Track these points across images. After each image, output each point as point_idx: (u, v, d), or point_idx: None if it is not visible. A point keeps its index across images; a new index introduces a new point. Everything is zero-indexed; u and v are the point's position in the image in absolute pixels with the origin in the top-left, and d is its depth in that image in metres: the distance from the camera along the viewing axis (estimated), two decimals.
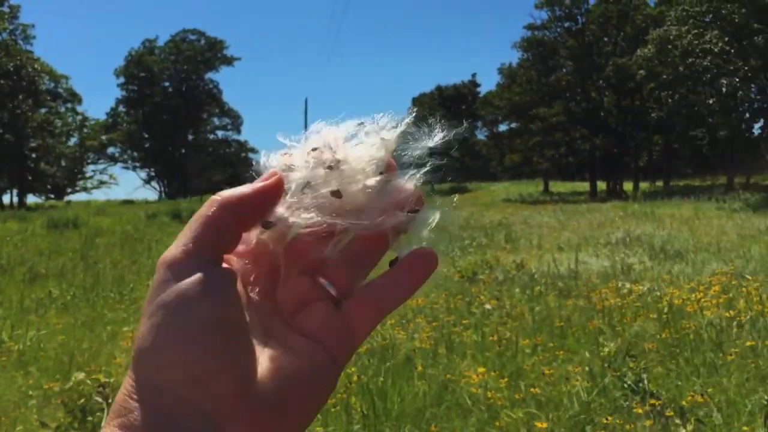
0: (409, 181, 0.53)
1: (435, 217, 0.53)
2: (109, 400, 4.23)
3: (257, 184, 0.51)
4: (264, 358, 0.47)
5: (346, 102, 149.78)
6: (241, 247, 0.52)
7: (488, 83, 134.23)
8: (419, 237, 0.53)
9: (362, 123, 0.55)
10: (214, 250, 0.48)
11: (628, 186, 48.22)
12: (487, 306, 8.37)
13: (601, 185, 47.74)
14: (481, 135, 75.02)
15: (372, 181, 0.52)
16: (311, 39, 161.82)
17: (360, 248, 0.52)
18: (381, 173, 0.53)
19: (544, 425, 4.31)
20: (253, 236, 0.52)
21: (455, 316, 7.97)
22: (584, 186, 50.67)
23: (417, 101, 73.24)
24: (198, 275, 0.45)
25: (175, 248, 0.47)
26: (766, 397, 4.70)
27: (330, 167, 0.52)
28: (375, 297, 0.51)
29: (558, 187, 55.13)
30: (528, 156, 55.96)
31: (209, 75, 70.71)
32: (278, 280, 0.51)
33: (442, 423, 4.69)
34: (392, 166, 0.54)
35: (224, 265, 0.49)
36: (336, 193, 0.51)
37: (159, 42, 69.56)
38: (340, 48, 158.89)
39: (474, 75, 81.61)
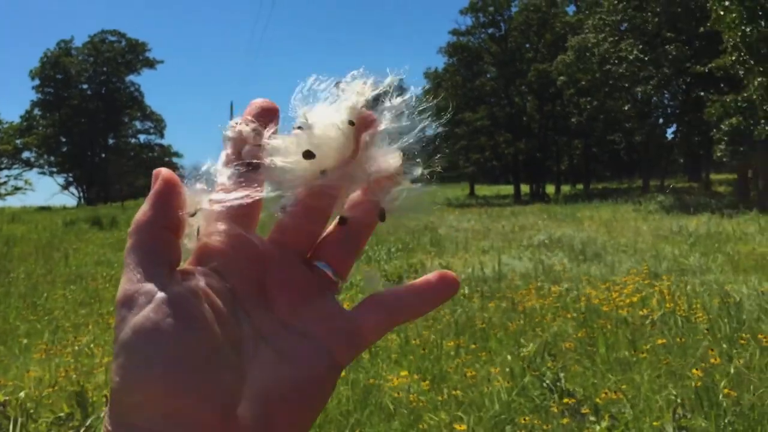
0: (390, 150, 0.49)
1: (418, 188, 0.50)
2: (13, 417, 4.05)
3: (152, 194, 0.48)
4: (256, 370, 0.43)
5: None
6: (215, 243, 0.46)
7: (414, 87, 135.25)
8: (403, 207, 0.50)
9: (339, 82, 0.50)
10: (162, 273, 0.44)
11: (550, 189, 49.60)
12: None
13: (525, 188, 48.89)
14: None
15: (344, 134, 0.47)
16: (236, 41, 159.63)
17: (352, 228, 0.49)
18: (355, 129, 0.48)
19: (464, 427, 4.36)
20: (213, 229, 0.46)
21: None
22: (509, 189, 51.81)
23: None
24: (150, 307, 0.42)
25: (123, 283, 0.43)
26: (674, 393, 4.90)
27: (300, 128, 0.47)
28: (388, 306, 0.48)
29: (483, 190, 56.19)
30: (454, 160, 56.80)
31: (130, 77, 68.89)
32: (264, 270, 0.47)
33: (366, 428, 4.69)
34: (369, 120, 0.49)
35: (184, 281, 0.44)
36: (308, 154, 0.47)
37: (76, 43, 67.27)
38: (265, 50, 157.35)
39: (401, 80, 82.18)
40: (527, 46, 48.60)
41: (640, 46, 33.31)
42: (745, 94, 23.55)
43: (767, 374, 5.04)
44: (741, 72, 23.21)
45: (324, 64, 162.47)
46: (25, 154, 63.78)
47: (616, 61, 34.68)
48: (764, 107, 21.85)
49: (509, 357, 5.99)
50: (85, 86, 66.59)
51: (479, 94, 49.72)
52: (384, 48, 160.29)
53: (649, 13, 33.85)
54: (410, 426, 4.67)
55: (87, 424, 4.15)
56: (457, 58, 50.05)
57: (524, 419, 4.46)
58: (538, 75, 43.52)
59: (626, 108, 38.84)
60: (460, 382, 5.48)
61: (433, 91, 52.08)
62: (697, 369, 5.21)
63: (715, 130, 27.28)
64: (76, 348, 7.33)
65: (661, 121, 42.52)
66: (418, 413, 4.85)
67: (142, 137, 72.52)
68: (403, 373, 5.69)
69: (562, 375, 5.07)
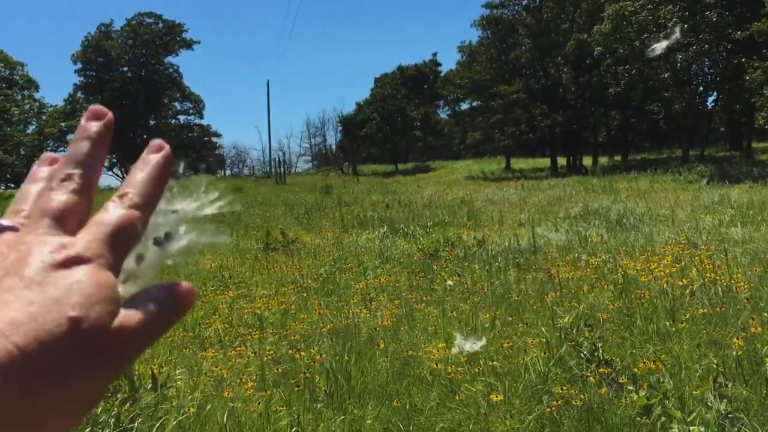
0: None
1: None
2: None
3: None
4: None
5: (309, 83, 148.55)
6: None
7: (449, 62, 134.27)
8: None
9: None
10: None
11: (587, 161, 48.87)
12: (449, 282, 8.47)
13: (562, 161, 48.24)
14: (443, 114, 75.35)
15: None
16: (271, 19, 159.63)
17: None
18: None
19: (500, 397, 4.41)
20: None
21: (417, 294, 8.05)
22: (545, 162, 51.19)
23: (379, 81, 72.93)
24: None
25: None
26: (715, 362, 4.87)
27: None
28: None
29: (519, 163, 55.61)
30: (489, 134, 56.32)
31: (169, 59, 69.56)
32: None
33: (404, 398, 4.77)
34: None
35: None
36: None
37: (115, 26, 68.11)
38: (300, 28, 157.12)
39: (435, 54, 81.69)
40: (563, 16, 47.65)
41: (680, 13, 32.46)
42: None
43: None
44: None
45: (356, 39, 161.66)
46: (70, 137, 64.74)
47: (655, 29, 33.84)
48: None
49: (545, 328, 6.00)
50: (125, 69, 67.57)
51: (514, 66, 49.04)
52: (418, 24, 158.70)
53: None
54: (447, 397, 4.73)
55: (135, 396, 4.31)
56: (491, 31, 49.34)
57: (561, 389, 4.49)
58: (575, 46, 42.72)
59: (665, 76, 37.97)
60: (496, 353, 5.52)
61: (467, 65, 51.59)
62: (738, 338, 5.16)
63: (757, 97, 26.55)
64: None
65: (701, 89, 41.50)
66: (455, 384, 4.91)
67: (182, 118, 73.48)
68: (441, 344, 5.75)
69: (599, 345, 5.07)
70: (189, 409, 4.36)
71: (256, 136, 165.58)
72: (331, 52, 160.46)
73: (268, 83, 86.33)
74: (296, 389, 4.86)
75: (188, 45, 69.90)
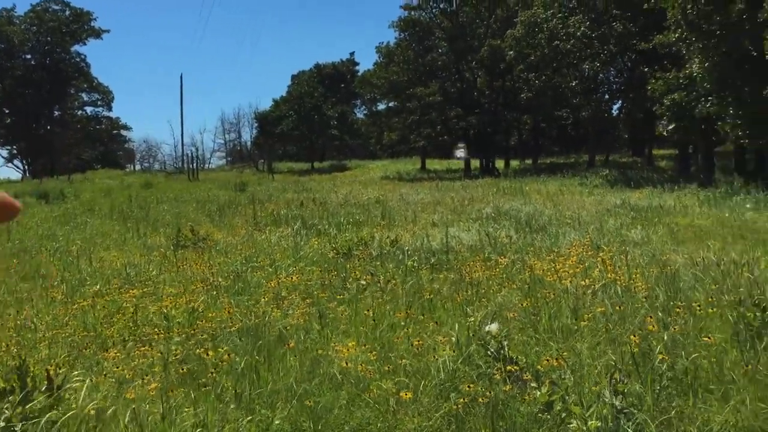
0: None
1: None
2: None
3: None
4: None
5: (224, 78, 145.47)
6: None
7: (366, 62, 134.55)
8: None
9: None
10: None
11: (500, 163, 50.09)
12: (362, 281, 8.49)
13: (475, 163, 49.25)
14: (360, 113, 75.51)
15: None
16: (186, 11, 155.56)
17: None
18: None
19: (409, 395, 4.45)
20: None
21: (330, 292, 8.03)
22: (459, 163, 52.12)
23: (296, 79, 72.40)
24: None
25: None
26: (613, 359, 5.08)
27: None
28: None
29: (434, 164, 56.41)
30: (405, 134, 56.79)
31: (76, 48, 66.74)
32: None
33: (314, 397, 4.75)
34: None
35: None
36: None
37: (18, 11, 64.81)
38: (216, 21, 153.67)
39: (352, 54, 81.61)
40: (478, 21, 48.64)
41: (588, 23, 33.72)
42: (687, 71, 24.12)
43: (701, 341, 5.25)
44: (683, 49, 23.76)
45: (273, 35, 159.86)
46: None
47: (564, 37, 35.06)
48: (704, 84, 22.44)
49: (456, 327, 6.10)
50: (28, 56, 64.39)
51: (430, 69, 49.65)
52: (335, 23, 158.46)
53: None
54: (357, 395, 4.74)
55: (28, 398, 4.09)
56: (408, 32, 49.80)
57: (468, 386, 4.57)
58: (489, 50, 43.67)
59: (573, 84, 39.38)
60: (407, 351, 5.57)
61: (385, 65, 51.90)
62: (634, 336, 5.40)
63: (657, 106, 27.92)
64: (18, 322, 7.18)
65: (606, 97, 43.27)
66: (365, 382, 4.93)
67: (89, 109, 70.74)
68: (352, 343, 5.75)
69: (506, 343, 5.19)
70: (88, 411, 4.19)
71: (168, 130, 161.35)
72: (247, 48, 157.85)
73: (181, 77, 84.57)
74: (203, 389, 4.75)
75: (97, 34, 67.29)
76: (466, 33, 47.39)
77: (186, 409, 4.47)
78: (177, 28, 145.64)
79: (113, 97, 70.64)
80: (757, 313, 5.48)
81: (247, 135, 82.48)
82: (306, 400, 4.61)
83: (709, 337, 5.26)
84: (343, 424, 4.37)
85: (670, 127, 27.46)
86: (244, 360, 5.31)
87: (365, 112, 73.46)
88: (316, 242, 12.67)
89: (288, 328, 6.41)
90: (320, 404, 4.61)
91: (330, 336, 6.28)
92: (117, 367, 5.34)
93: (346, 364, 5.25)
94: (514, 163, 51.87)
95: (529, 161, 52.85)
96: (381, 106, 62.28)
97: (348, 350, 5.53)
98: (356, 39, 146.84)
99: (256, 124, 69.91)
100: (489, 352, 5.19)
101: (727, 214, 14.89)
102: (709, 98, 22.84)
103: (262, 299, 7.67)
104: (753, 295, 6.01)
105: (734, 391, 4.47)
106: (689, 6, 21.56)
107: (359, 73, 68.02)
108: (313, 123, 62.00)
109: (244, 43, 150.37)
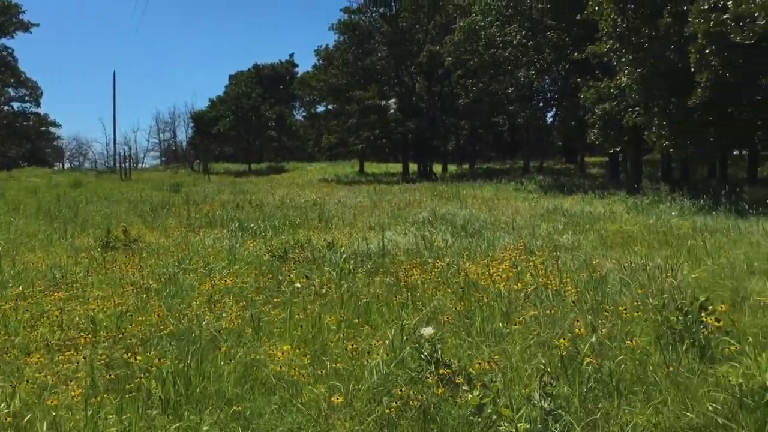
0: None
1: None
2: None
3: None
4: None
5: (159, 76, 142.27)
6: None
7: (306, 64, 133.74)
8: None
9: None
10: None
11: (437, 168, 50.62)
12: (297, 284, 8.42)
13: (413, 167, 49.64)
14: (299, 115, 75.09)
15: None
16: (120, 6, 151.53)
17: None
18: None
19: (341, 399, 4.44)
20: None
21: (265, 295, 7.94)
22: (397, 167, 52.43)
23: (233, 79, 71.48)
24: None
25: None
26: (543, 362, 5.18)
27: None
28: None
29: (373, 168, 56.59)
30: (344, 137, 56.81)
31: (2, 41, 64.27)
32: None
33: (245, 402, 4.68)
34: None
35: None
36: None
37: None
38: (151, 17, 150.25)
39: (292, 55, 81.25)
40: (417, 27, 49.06)
41: (524, 32, 34.43)
42: (617, 82, 24.89)
43: (626, 344, 5.41)
44: (614, 60, 24.52)
45: (211, 34, 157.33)
46: None
47: (502, 45, 35.70)
48: (633, 95, 23.20)
49: (390, 330, 6.11)
50: None
51: (370, 72, 49.82)
52: (275, 23, 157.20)
53: (532, 0, 35.03)
54: (289, 400, 4.69)
55: None
56: (348, 35, 49.85)
57: (401, 390, 4.59)
58: (428, 56, 44.09)
59: (510, 91, 40.14)
60: (341, 355, 5.55)
61: (324, 68, 51.80)
62: (564, 339, 5.53)
63: (589, 114, 28.72)
64: None
65: (541, 104, 44.30)
66: (298, 387, 4.89)
67: (15, 105, 68.17)
68: (286, 347, 5.70)
69: (439, 347, 5.23)
70: (4, 418, 4.02)
71: (100, 128, 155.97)
72: (183, 46, 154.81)
73: (114, 73, 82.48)
74: (129, 395, 4.62)
75: (25, 27, 64.99)
76: (406, 38, 47.74)
77: (110, 416, 4.34)
78: (110, 24, 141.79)
79: (42, 92, 68.43)
80: (680, 317, 5.68)
81: (183, 135, 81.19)
82: (237, 405, 4.54)
83: (632, 341, 5.43)
84: (274, 428, 4.33)
85: (600, 135, 28.28)
86: (173, 365, 5.19)
87: (304, 114, 73.14)
88: (252, 244, 12.52)
89: (221, 331, 6.31)
90: (251, 409, 4.55)
91: (264, 340, 6.21)
92: (39, 373, 5.15)
93: (280, 368, 5.20)
94: (452, 167, 52.54)
95: (466, 166, 53.63)
96: (320, 109, 62.18)
97: (282, 354, 5.48)
98: (296, 41, 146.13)
99: (192, 124, 68.75)
100: (422, 356, 5.22)
101: (653, 221, 15.41)
102: (637, 109, 23.63)
103: (195, 302, 7.52)
104: (676, 299, 6.22)
105: (656, 392, 4.62)
106: (619, 19, 22.25)
107: (298, 75, 67.64)
108: (250, 124, 61.34)
109: (181, 41, 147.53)
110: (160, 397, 4.62)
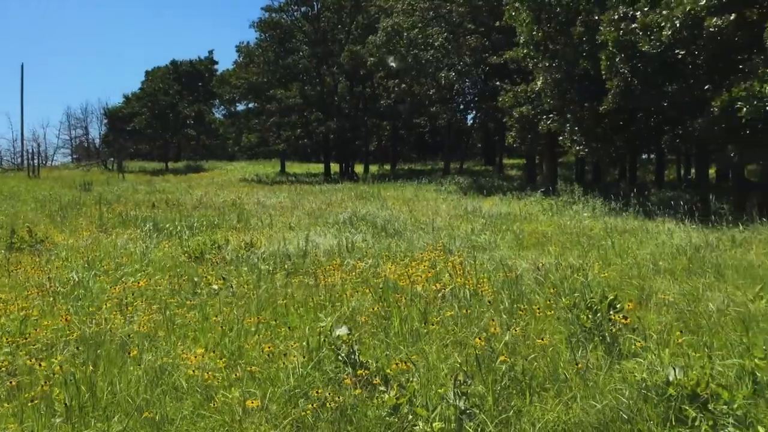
0: None
1: None
2: None
3: None
4: None
5: (71, 71, 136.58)
6: None
7: (226, 61, 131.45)
8: None
9: None
10: None
11: (359, 168, 50.72)
12: (214, 286, 8.25)
13: (335, 167, 49.55)
14: (218, 113, 73.71)
15: None
16: None
17: None
18: None
19: (257, 403, 4.36)
20: None
21: (179, 298, 7.74)
22: (319, 167, 52.24)
23: (150, 75, 69.44)
24: None
25: None
26: (459, 361, 5.25)
27: None
28: None
29: (294, 168, 56.18)
30: (265, 136, 56.17)
31: None
32: None
33: (156, 408, 4.54)
34: None
35: None
36: None
37: None
38: (63, 8, 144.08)
39: (211, 52, 79.20)
40: (339, 27, 48.99)
41: (445, 35, 34.90)
42: (533, 87, 25.57)
43: (539, 341, 5.55)
44: (530, 65, 25.18)
45: (127, 27, 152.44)
46: None
47: (423, 47, 36.08)
48: (548, 100, 23.88)
49: (308, 332, 6.06)
50: None
51: (291, 71, 49.39)
52: (194, 19, 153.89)
53: (454, 4, 35.57)
54: (202, 404, 4.58)
55: None
56: (269, 34, 49.28)
57: (318, 392, 4.55)
58: (350, 56, 44.08)
59: (431, 93, 40.62)
60: (257, 358, 5.46)
61: (244, 65, 51.02)
62: (479, 338, 5.61)
63: (507, 117, 29.41)
64: None
65: (461, 107, 45.04)
66: (212, 391, 4.78)
67: None
68: (200, 350, 5.56)
69: (356, 348, 5.22)
70: None
71: (5, 123, 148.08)
72: (97, 40, 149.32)
73: (22, 67, 78.66)
74: (31, 403, 4.40)
75: None
76: (328, 38, 47.60)
77: (11, 425, 4.12)
78: (18, 15, 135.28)
79: None
80: (589, 315, 5.87)
81: (96, 131, 78.50)
82: (147, 412, 4.39)
83: (544, 339, 5.57)
84: None
85: (518, 138, 29.01)
86: (79, 370, 4.98)
87: (224, 112, 71.87)
88: (168, 245, 12.19)
89: (131, 335, 6.10)
90: (162, 415, 4.41)
91: (177, 343, 6.04)
92: None
93: (193, 372, 5.07)
94: (374, 168, 52.74)
95: (387, 167, 53.93)
96: (240, 107, 61.21)
97: (195, 358, 5.34)
98: (216, 37, 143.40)
99: (105, 121, 66.54)
100: (340, 357, 5.20)
101: (567, 221, 15.89)
102: (552, 114, 24.35)
103: (105, 306, 7.25)
104: (586, 298, 6.42)
105: (567, 389, 4.75)
106: (535, 27, 22.87)
107: (218, 72, 66.36)
108: (167, 121, 59.86)
109: (95, 34, 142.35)
110: (65, 404, 4.42)
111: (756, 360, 4.62)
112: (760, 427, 3.84)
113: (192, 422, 4.37)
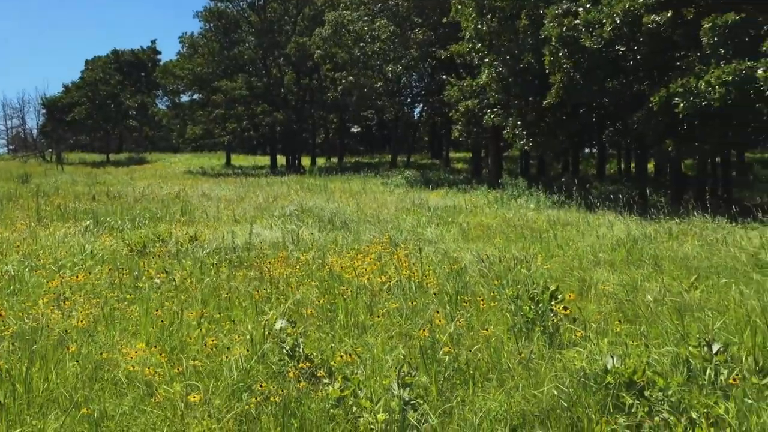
0: None
1: None
2: None
3: None
4: None
5: (11, 60, 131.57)
6: None
7: (169, 51, 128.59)
8: None
9: None
10: None
11: (306, 161, 50.43)
12: (156, 280, 8.09)
13: (282, 160, 49.16)
14: (162, 104, 72.20)
15: None
16: None
17: None
18: None
19: (199, 397, 4.30)
20: None
21: (120, 292, 7.56)
22: (266, 160, 51.75)
23: (90, 64, 67.52)
24: None
25: None
26: (403, 353, 5.28)
27: None
28: None
29: (240, 160, 55.52)
30: (210, 128, 55.29)
31: None
32: None
33: (94, 404, 4.43)
34: None
35: None
36: None
37: None
38: None
39: (154, 41, 77.47)
40: (286, 18, 48.51)
41: (392, 28, 34.92)
42: (479, 81, 25.81)
43: (482, 332, 5.61)
44: (475, 60, 25.41)
45: (66, 15, 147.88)
46: None
47: (370, 40, 36.04)
48: (493, 94, 24.15)
49: (252, 325, 6.01)
50: None
51: (237, 63, 48.72)
52: (136, 6, 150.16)
53: None
54: (143, 399, 4.49)
55: None
56: (214, 24, 48.49)
57: (261, 385, 4.51)
58: (297, 48, 43.71)
59: (378, 86, 40.63)
60: (200, 352, 5.39)
61: (189, 56, 50.10)
62: (424, 330, 5.65)
63: (453, 111, 29.63)
64: None
65: (408, 100, 45.18)
66: (152, 386, 4.69)
67: None
68: (141, 345, 5.45)
69: (301, 341, 5.19)
70: None
71: None
72: (35, 28, 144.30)
73: None
74: None
75: None
76: (274, 28, 47.09)
77: None
78: None
79: None
80: (532, 306, 5.98)
81: (34, 122, 75.96)
82: (84, 408, 4.29)
83: (487, 329, 5.65)
84: (125, 430, 4.12)
85: (464, 132, 29.27)
86: (12, 367, 4.82)
87: (168, 103, 70.40)
88: (108, 239, 11.90)
89: (70, 330, 5.94)
90: (101, 412, 4.31)
91: (117, 338, 5.91)
92: None
93: (133, 367, 4.97)
94: (321, 160, 52.54)
95: (335, 159, 53.77)
96: (185, 98, 60.10)
97: (136, 353, 5.23)
98: (159, 27, 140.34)
99: (43, 111, 64.43)
100: (284, 350, 5.17)
101: (511, 214, 16.12)
102: (496, 108, 24.64)
103: (41, 300, 7.03)
104: (529, 289, 6.53)
105: (509, 378, 4.83)
106: (480, 22, 23.08)
107: (161, 63, 64.96)
108: (108, 112, 58.39)
109: (33, 22, 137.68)
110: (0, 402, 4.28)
111: (690, 348, 4.78)
112: (693, 412, 3.97)
113: (132, 418, 4.28)
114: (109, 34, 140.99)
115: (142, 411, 4.36)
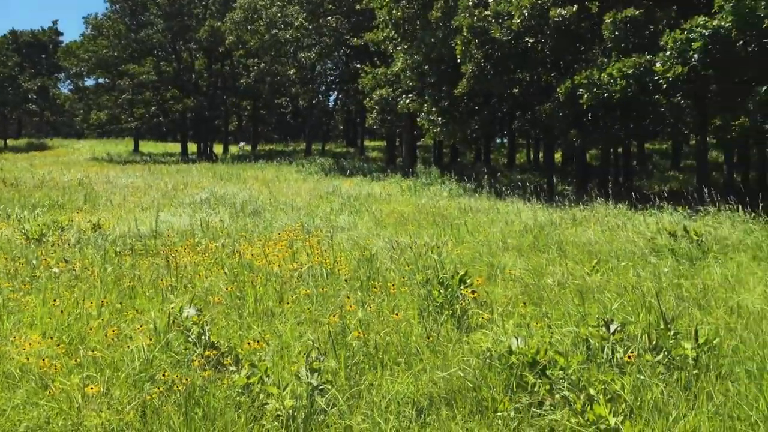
0: None
1: None
2: None
3: None
4: None
5: None
6: None
7: (72, 32, 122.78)
8: None
9: None
10: None
11: (218, 148, 49.36)
12: (55, 269, 7.73)
13: (193, 147, 47.95)
14: (64, 88, 69.02)
15: None
16: None
17: None
18: None
19: (98, 389, 4.13)
20: None
21: (15, 282, 7.18)
22: (176, 147, 50.35)
23: None
24: None
25: None
26: (312, 338, 5.23)
27: None
28: None
29: (149, 147, 53.80)
30: (117, 114, 53.25)
31: None
32: None
33: None
34: None
35: None
36: None
37: None
38: None
39: (55, 22, 74.15)
40: (197, 1, 47.19)
41: (305, 14, 34.56)
42: (393, 69, 25.93)
43: (392, 317, 5.64)
44: (390, 48, 25.51)
45: None
46: None
47: (283, 26, 35.56)
48: (407, 81, 24.32)
49: (156, 314, 5.82)
50: None
51: (145, 46, 47.03)
52: None
53: None
54: (36, 393, 4.28)
55: None
56: (120, 5, 46.63)
57: (164, 375, 4.38)
58: (209, 33, 42.60)
59: (292, 73, 40.17)
60: (100, 343, 5.17)
61: (93, 38, 47.99)
62: (334, 316, 5.63)
63: (367, 100, 29.66)
64: None
65: (323, 88, 44.89)
66: (48, 379, 4.47)
67: None
68: (36, 336, 5.19)
69: (207, 329, 5.07)
70: None
71: None
72: None
73: None
74: None
75: None
76: (184, 12, 45.72)
77: None
78: None
79: None
80: (441, 291, 6.05)
81: None
82: None
83: (397, 314, 5.68)
84: (17, 424, 3.91)
85: (378, 120, 29.35)
86: None
87: (71, 87, 67.37)
88: (3, 227, 11.29)
89: None
90: None
91: (11, 330, 5.61)
92: None
93: (27, 359, 4.73)
94: (234, 148, 51.53)
95: (248, 147, 52.87)
96: (89, 82, 57.65)
97: (31, 345, 4.98)
98: (60, 7, 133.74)
99: None
100: (189, 339, 5.03)
101: (424, 202, 16.29)
102: (410, 95, 24.82)
103: None
104: (439, 274, 6.61)
105: (418, 361, 4.87)
106: (395, 9, 23.16)
107: (63, 44, 61.99)
108: (6, 95, 55.35)
109: None
110: None
111: (590, 328, 4.95)
112: (591, 389, 4.11)
113: (24, 412, 4.07)
114: (7, 14, 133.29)
115: (35, 404, 4.15)
